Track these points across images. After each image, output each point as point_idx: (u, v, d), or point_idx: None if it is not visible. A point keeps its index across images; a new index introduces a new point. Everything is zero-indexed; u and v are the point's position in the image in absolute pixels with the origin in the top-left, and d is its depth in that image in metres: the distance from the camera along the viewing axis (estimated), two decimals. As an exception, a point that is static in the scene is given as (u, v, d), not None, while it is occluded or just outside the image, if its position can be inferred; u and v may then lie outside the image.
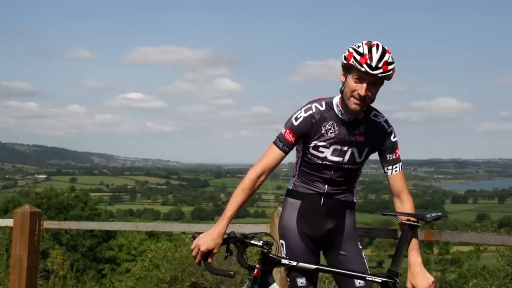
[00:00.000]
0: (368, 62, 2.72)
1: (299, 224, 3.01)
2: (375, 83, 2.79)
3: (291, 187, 3.10)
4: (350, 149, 2.92)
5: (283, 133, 2.93)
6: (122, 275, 24.10)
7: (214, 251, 2.78)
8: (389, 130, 2.97)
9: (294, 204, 3.05)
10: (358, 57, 2.75)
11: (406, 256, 2.87)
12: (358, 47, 2.78)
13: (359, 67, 2.73)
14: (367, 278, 2.81)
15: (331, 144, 2.91)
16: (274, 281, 2.82)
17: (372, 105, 2.96)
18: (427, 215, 2.86)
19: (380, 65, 2.73)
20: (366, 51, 2.74)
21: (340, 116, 2.91)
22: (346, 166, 2.94)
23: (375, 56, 2.73)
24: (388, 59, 2.76)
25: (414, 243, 2.86)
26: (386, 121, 2.98)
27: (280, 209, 3.70)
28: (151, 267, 14.04)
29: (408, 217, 2.88)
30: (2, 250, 9.71)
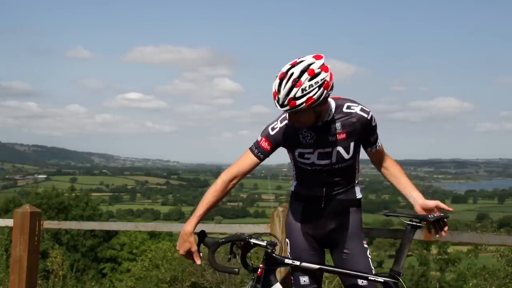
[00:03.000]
0: (277, 99, 2.67)
1: (303, 224, 3.03)
2: (297, 113, 2.72)
3: (293, 189, 3.13)
4: (335, 149, 2.88)
5: (259, 140, 2.93)
6: (122, 275, 24.10)
7: (193, 249, 2.81)
8: (368, 117, 2.87)
9: (298, 205, 3.07)
10: (272, 91, 2.69)
11: (408, 255, 2.87)
12: (275, 77, 2.69)
13: (274, 102, 2.71)
14: (369, 277, 2.81)
15: (314, 149, 2.89)
16: (277, 281, 2.83)
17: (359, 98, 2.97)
18: (429, 215, 2.87)
19: (286, 102, 2.64)
20: (276, 87, 2.67)
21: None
22: (337, 166, 2.90)
23: (283, 92, 2.64)
24: (297, 93, 2.62)
25: (406, 183, 3.03)
26: (362, 109, 2.87)
27: (280, 209, 3.70)
28: (151, 267, 14.05)
29: (411, 218, 2.87)
30: (2, 250, 9.71)
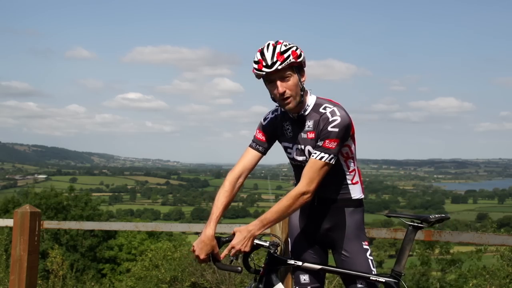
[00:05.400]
0: (264, 63, 2.77)
1: (301, 223, 3.06)
2: (285, 75, 2.80)
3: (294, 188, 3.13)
4: (306, 147, 2.90)
5: (255, 134, 3.05)
6: (122, 275, 24.08)
7: (215, 251, 2.84)
8: (331, 119, 2.78)
9: None
10: (256, 66, 2.80)
11: (410, 255, 2.86)
12: (254, 57, 2.83)
13: (261, 73, 2.79)
14: (371, 278, 2.81)
15: (293, 144, 2.96)
16: (279, 281, 2.85)
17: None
18: (430, 216, 2.86)
19: (274, 59, 2.75)
20: (259, 57, 2.80)
21: (290, 116, 2.94)
22: None
23: (268, 54, 2.77)
24: (280, 48, 2.78)
25: (262, 217, 2.77)
26: (333, 111, 2.80)
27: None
28: (151, 267, 14.02)
29: (412, 219, 2.87)
30: (2, 250, 9.69)
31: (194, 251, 2.84)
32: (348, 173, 2.95)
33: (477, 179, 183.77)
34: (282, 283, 2.89)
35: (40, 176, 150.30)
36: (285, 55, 2.76)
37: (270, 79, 2.81)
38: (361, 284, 2.87)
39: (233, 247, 2.75)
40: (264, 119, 3.05)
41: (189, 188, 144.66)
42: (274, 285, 2.83)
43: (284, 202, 2.78)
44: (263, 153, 3.03)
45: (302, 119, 2.89)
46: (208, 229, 2.84)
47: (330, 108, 2.83)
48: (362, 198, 3.02)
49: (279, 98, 2.82)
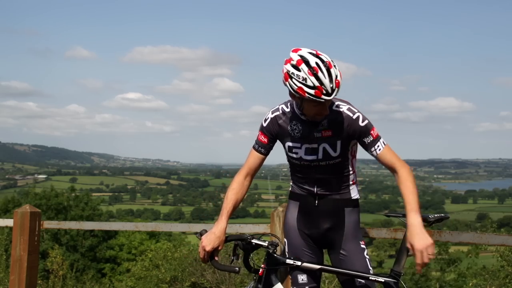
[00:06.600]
0: (324, 91, 2.65)
1: (299, 223, 3.06)
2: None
3: (291, 189, 3.16)
4: (321, 146, 2.90)
5: (258, 136, 3.04)
6: (122, 275, 24.08)
7: (219, 248, 2.87)
8: (354, 116, 2.85)
9: (295, 204, 3.10)
10: (312, 91, 2.65)
11: (409, 255, 2.85)
12: (305, 79, 2.64)
13: (318, 99, 2.67)
14: (370, 277, 2.81)
15: (301, 144, 2.93)
16: (278, 281, 2.85)
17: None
18: (430, 216, 2.87)
19: (333, 86, 2.66)
20: (315, 82, 2.64)
21: (300, 117, 2.92)
22: (324, 163, 2.92)
23: (326, 81, 2.64)
24: (335, 72, 2.66)
25: (412, 205, 2.70)
26: (349, 109, 2.87)
27: (280, 209, 3.71)
28: (151, 267, 14.03)
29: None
30: (2, 250, 9.69)
31: (200, 244, 2.85)
32: (351, 173, 3.00)
33: (477, 179, 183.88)
34: (281, 283, 2.89)
35: (40, 176, 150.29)
36: (340, 80, 2.68)
37: (321, 103, 2.71)
38: (359, 283, 2.89)
39: (421, 251, 2.61)
40: (265, 120, 3.01)
41: (189, 188, 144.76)
42: (273, 285, 2.83)
43: (410, 181, 2.78)
44: (266, 154, 3.05)
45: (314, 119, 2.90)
46: (221, 223, 2.89)
47: (344, 105, 2.88)
48: (358, 199, 3.07)
49: (319, 116, 2.81)
